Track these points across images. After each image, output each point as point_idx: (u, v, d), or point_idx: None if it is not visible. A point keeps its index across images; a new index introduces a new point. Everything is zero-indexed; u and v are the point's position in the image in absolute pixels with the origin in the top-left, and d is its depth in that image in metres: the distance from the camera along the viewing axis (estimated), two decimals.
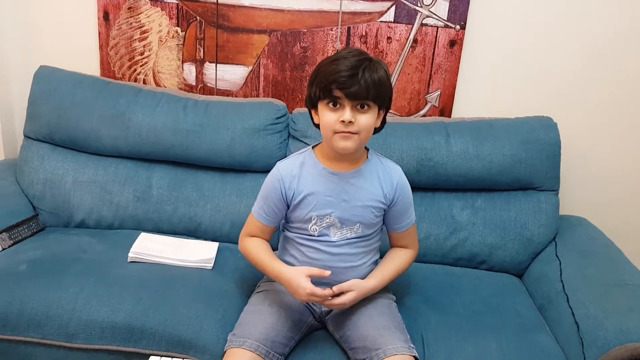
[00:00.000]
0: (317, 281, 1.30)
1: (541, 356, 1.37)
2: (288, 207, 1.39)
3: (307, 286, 1.28)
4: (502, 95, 1.92)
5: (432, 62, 1.89)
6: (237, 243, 1.50)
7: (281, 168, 1.39)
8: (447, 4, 1.82)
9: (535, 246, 1.75)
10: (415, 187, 1.61)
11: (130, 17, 1.94)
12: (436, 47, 1.87)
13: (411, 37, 1.87)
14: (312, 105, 1.34)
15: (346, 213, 1.36)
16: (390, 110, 1.93)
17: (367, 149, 1.41)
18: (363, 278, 1.38)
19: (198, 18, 1.92)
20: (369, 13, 1.86)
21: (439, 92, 1.93)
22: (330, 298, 1.30)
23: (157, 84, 2.01)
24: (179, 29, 1.94)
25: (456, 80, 1.90)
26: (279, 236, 1.51)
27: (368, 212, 1.37)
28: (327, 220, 1.37)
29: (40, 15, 1.98)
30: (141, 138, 1.78)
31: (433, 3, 1.83)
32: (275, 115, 1.79)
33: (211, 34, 1.93)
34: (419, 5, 1.84)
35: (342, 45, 1.89)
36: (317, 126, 1.36)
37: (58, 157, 1.83)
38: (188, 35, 1.95)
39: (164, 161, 1.83)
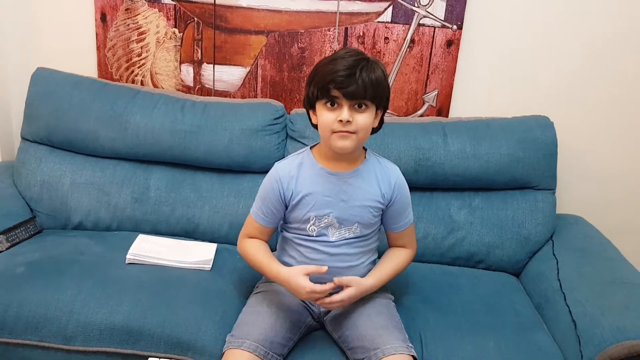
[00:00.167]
0: (316, 280, 1.30)
1: (539, 354, 1.37)
2: (286, 207, 1.39)
3: (306, 285, 1.28)
4: (499, 95, 1.92)
5: (430, 62, 1.89)
6: (235, 244, 1.50)
7: (279, 169, 1.40)
8: (444, 4, 1.83)
9: (532, 245, 1.75)
10: (413, 187, 1.62)
11: (128, 18, 1.94)
12: (433, 47, 1.87)
13: (408, 37, 1.87)
14: (310, 105, 1.34)
15: (344, 213, 1.36)
16: (388, 110, 1.93)
17: (365, 149, 1.42)
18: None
19: (195, 19, 1.92)
20: (366, 13, 1.86)
21: (436, 92, 1.93)
22: (330, 295, 1.30)
23: (155, 85, 2.01)
24: (176, 30, 1.94)
25: (453, 80, 1.91)
26: (277, 237, 1.52)
27: (366, 212, 1.37)
28: (326, 221, 1.37)
29: (38, 17, 1.98)
30: (139, 139, 1.77)
31: (430, 3, 1.83)
32: (273, 116, 1.80)
33: (209, 35, 1.93)
34: (416, 5, 1.84)
35: (340, 45, 1.90)
36: (315, 126, 1.36)
37: (55, 159, 1.83)
38: (185, 36, 1.95)
39: (161, 162, 1.83)
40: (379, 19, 1.86)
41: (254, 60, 1.94)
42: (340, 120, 1.25)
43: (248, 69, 1.96)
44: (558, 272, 1.59)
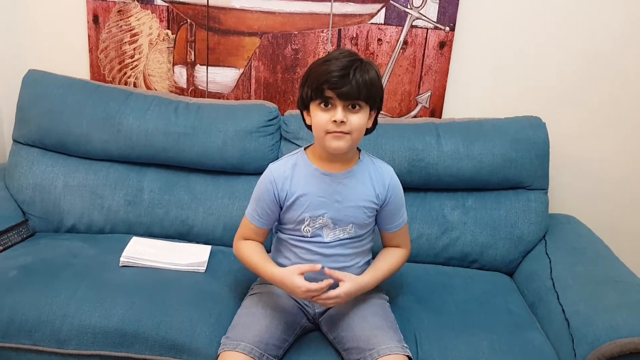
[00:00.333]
0: (311, 279, 1.30)
1: (532, 353, 1.38)
2: (281, 208, 1.39)
3: (301, 284, 1.28)
4: (491, 96, 1.93)
5: (423, 63, 1.90)
6: (230, 246, 1.50)
7: (273, 170, 1.40)
8: (437, 5, 1.83)
9: (525, 244, 1.76)
10: (407, 188, 1.62)
11: (120, 20, 1.93)
12: (426, 48, 1.88)
13: (401, 38, 1.88)
14: (304, 106, 1.35)
15: (339, 213, 1.37)
16: (382, 112, 1.94)
17: (359, 150, 1.42)
18: None
19: (189, 21, 1.92)
20: (360, 15, 1.86)
21: (429, 93, 1.94)
22: (326, 292, 1.30)
23: (148, 87, 2.00)
24: (169, 32, 1.94)
25: (446, 81, 1.92)
26: (272, 238, 1.52)
27: (360, 212, 1.38)
28: (320, 221, 1.37)
29: (29, 19, 1.97)
30: (132, 141, 1.77)
31: (423, 5, 1.84)
32: (267, 118, 1.80)
33: (202, 37, 1.93)
34: (408, 7, 1.85)
35: (333, 47, 1.90)
36: (309, 127, 1.36)
37: (48, 161, 1.82)
38: (179, 38, 1.94)
39: (155, 164, 1.82)
40: (372, 21, 1.87)
41: (248, 62, 1.94)
42: (335, 121, 1.26)
43: (242, 70, 1.95)
44: (551, 271, 1.60)
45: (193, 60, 1.96)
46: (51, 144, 1.82)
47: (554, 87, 1.91)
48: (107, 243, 1.68)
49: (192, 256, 1.63)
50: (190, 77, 1.98)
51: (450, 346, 1.38)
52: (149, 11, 1.92)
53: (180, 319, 1.38)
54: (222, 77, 1.97)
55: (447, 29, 1.86)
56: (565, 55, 1.88)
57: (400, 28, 1.87)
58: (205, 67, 1.96)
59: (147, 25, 1.94)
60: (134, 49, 1.96)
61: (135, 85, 2.00)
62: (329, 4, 1.85)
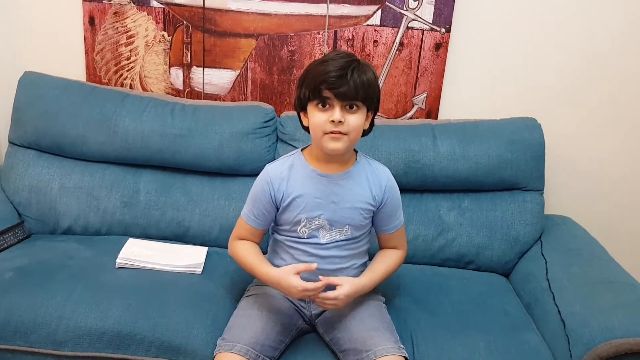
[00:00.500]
0: (307, 280, 1.30)
1: (529, 354, 1.38)
2: (277, 209, 1.39)
3: (297, 284, 1.27)
4: (487, 97, 1.94)
5: (418, 64, 1.91)
6: (226, 247, 1.50)
7: (270, 170, 1.40)
8: (432, 7, 1.84)
9: (521, 245, 1.77)
10: (403, 189, 1.62)
11: (116, 21, 1.93)
12: (422, 50, 1.89)
13: (397, 40, 1.89)
14: (301, 107, 1.35)
15: (335, 215, 1.37)
16: (378, 113, 1.94)
17: (356, 151, 1.42)
18: None
19: (185, 22, 1.92)
20: (356, 17, 1.87)
21: (425, 95, 1.94)
22: (324, 291, 1.29)
23: (144, 89, 2.00)
24: (165, 34, 1.94)
25: (442, 82, 1.92)
26: (268, 239, 1.52)
27: (357, 213, 1.38)
28: (317, 222, 1.37)
29: (25, 20, 1.96)
30: (128, 143, 1.77)
31: (418, 7, 1.85)
32: (263, 119, 1.80)
33: (198, 38, 1.93)
34: (404, 8, 1.85)
35: (330, 48, 1.90)
36: (306, 129, 1.36)
37: (44, 163, 1.81)
38: (175, 39, 1.94)
39: (151, 166, 1.82)
40: (368, 22, 1.87)
41: (244, 64, 1.94)
42: (332, 121, 1.26)
43: (238, 72, 1.96)
44: (547, 272, 1.61)
45: (189, 61, 1.96)
46: (47, 145, 1.81)
47: (550, 88, 1.92)
48: (103, 245, 1.68)
49: (189, 258, 1.62)
50: (187, 78, 1.98)
51: (447, 347, 1.38)
52: (145, 13, 1.92)
53: (176, 320, 1.38)
54: (218, 79, 1.97)
55: (443, 30, 1.86)
56: (561, 56, 1.88)
57: (396, 29, 1.87)
58: (201, 68, 1.96)
59: (143, 27, 1.94)
60: (130, 51, 1.96)
61: (131, 86, 2.00)
62: (325, 5, 1.86)
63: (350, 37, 1.89)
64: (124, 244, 1.66)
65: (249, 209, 1.42)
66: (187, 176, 1.81)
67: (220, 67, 1.95)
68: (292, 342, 1.39)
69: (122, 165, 1.82)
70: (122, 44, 1.96)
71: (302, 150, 1.42)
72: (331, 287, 1.31)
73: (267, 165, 1.43)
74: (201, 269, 1.59)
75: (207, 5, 1.89)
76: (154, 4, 1.90)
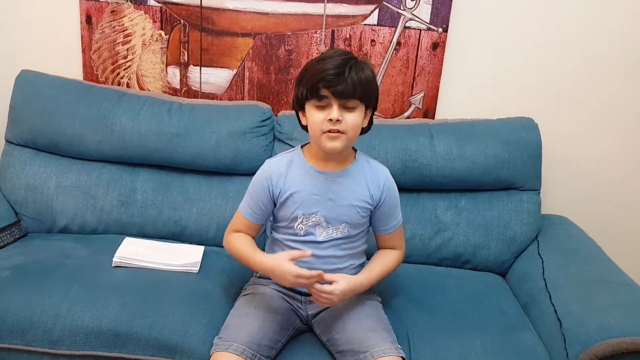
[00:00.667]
0: None
1: (525, 353, 1.38)
2: (275, 204, 1.40)
3: (292, 269, 1.26)
4: (484, 97, 1.94)
5: (416, 64, 1.91)
6: (222, 246, 1.49)
7: (269, 166, 1.41)
8: (430, 7, 1.84)
9: (518, 245, 1.77)
10: (400, 188, 1.62)
11: (114, 20, 1.93)
12: (419, 49, 1.89)
13: (394, 39, 1.89)
14: (299, 106, 1.35)
15: (332, 212, 1.37)
16: (375, 112, 1.94)
17: (355, 150, 1.42)
18: None
19: (182, 21, 1.92)
20: (353, 16, 1.87)
21: (422, 94, 1.94)
22: (319, 283, 1.29)
23: (141, 88, 2.00)
24: (162, 33, 1.94)
25: (439, 82, 1.92)
26: (265, 239, 1.52)
27: (354, 212, 1.38)
28: (313, 219, 1.37)
29: (22, 19, 1.96)
30: (125, 142, 1.77)
31: (416, 6, 1.85)
32: (260, 118, 1.80)
33: (195, 37, 1.93)
34: (402, 8, 1.85)
35: (327, 47, 1.90)
36: (305, 128, 1.37)
37: (40, 162, 1.81)
38: (172, 38, 1.94)
39: (148, 165, 1.82)
40: (366, 22, 1.87)
41: (241, 63, 1.94)
42: (330, 120, 1.26)
43: (235, 71, 1.95)
44: (543, 272, 1.61)
45: (186, 60, 1.96)
46: (44, 144, 1.81)
47: (547, 88, 1.92)
48: (100, 244, 1.68)
49: (185, 257, 1.62)
50: (184, 77, 1.98)
51: (443, 346, 1.38)
52: (142, 12, 1.92)
53: (173, 319, 1.38)
54: (215, 78, 1.97)
55: (440, 30, 1.86)
56: (557, 56, 1.89)
57: (393, 29, 1.87)
58: (198, 67, 1.96)
59: (141, 26, 1.93)
60: (127, 50, 1.96)
61: (128, 85, 2.00)
62: (322, 5, 1.86)
63: (348, 36, 1.89)
64: (121, 243, 1.66)
65: (246, 202, 1.42)
66: (184, 175, 1.81)
67: (218, 66, 1.95)
68: (289, 342, 1.39)
69: (119, 164, 1.81)
70: (119, 43, 1.96)
71: (302, 147, 1.42)
72: (328, 284, 1.31)
73: (267, 160, 1.44)
74: (198, 268, 1.59)
75: (204, 4, 1.88)
76: (151, 2, 1.90)
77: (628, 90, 1.91)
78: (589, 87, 1.91)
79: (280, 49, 1.92)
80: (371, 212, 1.41)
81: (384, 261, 1.44)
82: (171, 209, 1.77)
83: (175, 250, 1.67)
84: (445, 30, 1.86)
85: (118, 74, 1.99)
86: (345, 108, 1.27)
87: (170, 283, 1.50)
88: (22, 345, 1.36)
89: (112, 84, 1.99)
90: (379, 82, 1.92)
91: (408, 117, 1.97)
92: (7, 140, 1.86)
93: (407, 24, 1.87)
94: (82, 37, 1.96)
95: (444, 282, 1.68)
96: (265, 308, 1.37)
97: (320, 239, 1.38)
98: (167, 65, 1.97)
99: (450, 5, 1.83)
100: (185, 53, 1.95)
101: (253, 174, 1.44)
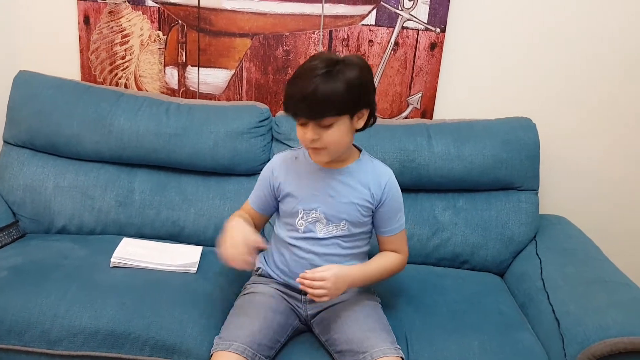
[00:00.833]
0: (294, 273, 1.31)
1: (523, 353, 1.38)
2: (277, 198, 1.43)
3: (235, 236, 1.27)
4: (482, 97, 1.94)
5: (414, 64, 1.91)
6: None
7: (276, 159, 1.46)
8: (428, 7, 1.84)
9: (516, 245, 1.77)
10: None
11: (111, 21, 1.93)
12: (417, 49, 1.89)
13: (392, 40, 1.89)
14: None
15: (332, 209, 1.37)
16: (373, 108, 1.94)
17: (360, 150, 1.43)
18: None
19: (180, 22, 1.92)
20: (351, 16, 1.87)
21: (420, 94, 1.94)
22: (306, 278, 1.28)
23: (139, 88, 2.00)
24: (160, 33, 1.94)
25: (437, 82, 1.92)
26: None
27: (354, 209, 1.38)
28: (314, 215, 1.38)
29: (20, 20, 1.96)
30: (123, 142, 1.76)
31: (413, 6, 1.85)
32: (258, 119, 1.80)
33: (193, 38, 1.93)
34: (399, 8, 1.86)
35: (325, 48, 1.90)
36: None
37: (38, 162, 1.81)
38: (170, 39, 1.94)
39: (146, 165, 1.82)
40: (363, 22, 1.87)
41: (239, 63, 1.94)
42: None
43: (233, 71, 1.95)
44: (541, 272, 1.61)
45: (184, 61, 1.96)
46: (42, 145, 1.81)
47: (545, 88, 1.92)
48: (98, 244, 1.68)
49: (183, 257, 1.62)
50: (182, 78, 1.98)
51: (441, 347, 1.38)
52: (140, 12, 1.92)
53: (171, 319, 1.38)
54: (213, 78, 1.97)
55: (438, 30, 1.87)
56: (555, 56, 1.89)
57: (391, 29, 1.88)
58: (196, 68, 1.96)
59: (138, 27, 1.93)
60: (125, 50, 1.96)
61: (126, 86, 2.00)
62: (320, 5, 1.86)
63: (346, 36, 1.89)
64: (119, 243, 1.65)
65: (254, 191, 1.48)
66: (182, 176, 1.81)
67: (215, 67, 1.95)
68: (288, 342, 1.39)
69: (117, 164, 1.81)
70: (117, 43, 1.96)
71: None
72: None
73: (277, 153, 1.48)
74: (196, 269, 1.59)
75: (202, 4, 1.88)
76: (149, 3, 1.90)
77: (626, 90, 1.91)
78: (587, 87, 1.92)
79: (278, 50, 1.92)
80: (373, 212, 1.41)
81: (382, 261, 1.43)
82: (169, 210, 1.77)
83: (173, 250, 1.67)
84: (443, 31, 1.87)
85: (116, 74, 1.99)
86: (321, 127, 1.26)
87: (168, 283, 1.50)
88: (20, 345, 1.36)
89: (110, 85, 1.99)
90: (376, 83, 1.93)
91: (406, 118, 1.97)
92: (4, 141, 1.86)
93: (404, 24, 1.87)
94: (80, 38, 1.96)
95: (442, 282, 1.68)
96: (265, 308, 1.38)
97: (320, 235, 1.38)
98: (165, 66, 1.97)
99: (448, 5, 1.83)
100: (183, 53, 1.95)
101: (251, 174, 1.46)
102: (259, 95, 1.97)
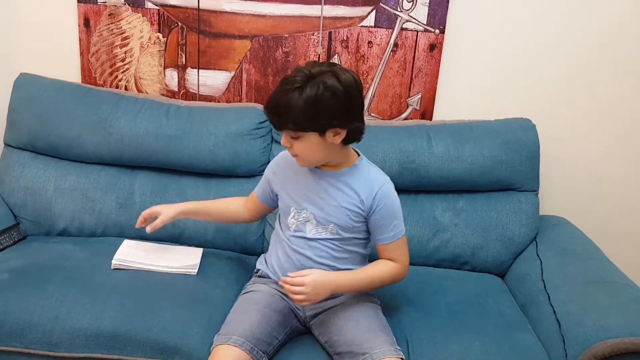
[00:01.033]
0: (286, 274, 1.32)
1: (524, 354, 1.39)
2: (275, 193, 1.48)
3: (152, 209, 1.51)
4: (481, 98, 1.94)
5: (413, 66, 1.91)
6: (221, 249, 1.59)
7: (279, 156, 1.50)
8: (427, 8, 1.84)
9: (516, 246, 1.77)
10: (398, 190, 1.61)
11: (111, 23, 1.93)
12: (416, 51, 1.89)
13: (392, 41, 1.89)
14: None
15: (321, 211, 1.38)
16: (373, 114, 1.95)
17: (358, 155, 1.43)
18: None
19: (179, 24, 1.92)
20: (350, 18, 1.87)
21: (419, 96, 1.95)
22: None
23: (139, 90, 2.00)
24: (160, 35, 1.94)
25: (436, 83, 1.93)
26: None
27: (343, 214, 1.37)
28: (304, 215, 1.39)
29: (20, 22, 1.96)
30: (123, 144, 1.77)
31: (413, 8, 1.85)
32: (258, 120, 1.80)
33: (193, 40, 1.93)
34: (399, 10, 1.86)
35: (324, 49, 1.91)
36: None
37: (39, 164, 1.81)
38: (170, 41, 1.94)
39: (146, 167, 1.82)
40: (363, 24, 1.88)
41: (239, 65, 1.95)
42: None
43: (233, 73, 1.96)
44: (542, 273, 1.61)
45: (184, 63, 1.96)
46: (42, 147, 1.81)
47: (544, 89, 1.93)
48: (99, 246, 1.68)
49: (184, 259, 1.62)
50: (182, 80, 1.98)
51: (442, 348, 1.38)
52: (140, 14, 1.92)
53: (172, 321, 1.38)
54: (213, 80, 1.97)
55: (437, 31, 1.87)
56: (555, 57, 1.89)
57: (390, 31, 1.88)
58: (196, 70, 1.96)
59: (138, 29, 1.94)
60: (125, 52, 1.96)
61: (126, 88, 2.00)
62: (319, 6, 1.86)
63: (345, 38, 1.89)
64: (120, 245, 1.65)
65: (259, 182, 1.55)
66: (182, 177, 1.81)
67: (215, 69, 1.96)
68: (288, 343, 1.39)
69: (117, 166, 1.82)
70: (117, 46, 1.96)
71: None
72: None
73: (284, 150, 1.48)
74: (196, 270, 1.59)
75: (201, 6, 1.89)
76: (149, 5, 1.91)
77: (626, 91, 1.91)
78: (587, 88, 1.92)
79: (277, 51, 1.92)
80: (365, 218, 1.39)
81: (374, 269, 1.41)
82: None
83: (173, 252, 1.67)
84: (442, 32, 1.87)
85: (116, 76, 1.99)
86: (291, 136, 1.30)
87: (169, 285, 1.51)
88: (22, 347, 1.36)
89: (110, 87, 2.00)
90: (376, 84, 1.93)
91: (406, 119, 1.97)
92: (5, 143, 1.86)
93: (404, 26, 1.87)
94: (80, 40, 1.96)
95: (442, 283, 1.68)
96: (263, 304, 1.38)
97: (309, 235, 1.40)
98: (165, 68, 1.97)
99: (447, 6, 1.84)
100: (183, 55, 1.95)
101: (251, 176, 1.48)
102: (258, 97, 1.97)
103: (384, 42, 1.89)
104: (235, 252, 1.76)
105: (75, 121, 1.77)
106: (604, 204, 2.03)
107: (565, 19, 1.86)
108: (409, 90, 1.94)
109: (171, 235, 1.77)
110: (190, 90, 1.99)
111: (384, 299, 1.53)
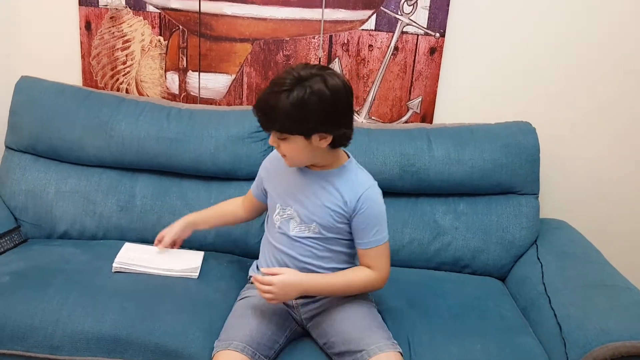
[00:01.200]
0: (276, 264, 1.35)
1: (525, 357, 1.39)
2: (264, 188, 1.50)
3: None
4: (482, 101, 1.95)
5: (413, 69, 1.91)
6: (222, 252, 1.59)
7: (272, 154, 1.50)
8: (427, 12, 1.85)
9: (517, 249, 1.77)
10: (399, 193, 1.63)
11: (113, 26, 1.94)
12: (417, 54, 1.89)
13: (392, 44, 1.89)
14: None
15: (305, 209, 1.38)
16: (373, 117, 1.95)
17: (349, 157, 1.43)
18: None
19: (181, 27, 1.93)
20: (351, 21, 1.88)
21: (420, 99, 1.95)
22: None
23: (140, 93, 2.01)
24: (161, 38, 1.94)
25: (437, 86, 1.93)
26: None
27: (326, 213, 1.37)
28: (289, 212, 1.40)
29: (22, 25, 1.97)
30: (124, 147, 1.77)
31: (413, 11, 1.86)
32: (258, 123, 1.79)
33: (194, 43, 1.94)
34: (399, 13, 1.86)
35: (325, 53, 1.91)
36: None
37: (40, 167, 1.81)
38: (171, 44, 1.95)
39: (147, 170, 1.82)
40: (363, 27, 1.88)
41: (240, 68, 1.95)
42: None
43: (233, 76, 1.96)
44: (543, 276, 1.61)
45: (185, 66, 1.96)
46: (43, 150, 1.81)
47: (545, 92, 1.93)
48: (100, 249, 1.68)
49: (185, 262, 1.62)
50: (183, 83, 1.99)
51: (443, 351, 1.38)
52: (141, 18, 1.92)
53: (173, 324, 1.38)
54: (214, 83, 1.97)
55: (438, 35, 1.87)
56: (555, 60, 1.90)
57: (391, 34, 1.88)
58: (197, 73, 1.97)
59: (140, 32, 1.94)
60: (126, 56, 1.97)
61: (127, 91, 2.00)
62: (320, 10, 1.86)
63: (345, 41, 1.89)
64: (120, 248, 1.65)
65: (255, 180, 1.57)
66: (183, 180, 1.81)
67: (216, 72, 1.96)
68: (288, 345, 1.39)
69: (118, 169, 1.82)
70: (118, 49, 1.96)
71: None
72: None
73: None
74: (197, 274, 1.59)
75: (203, 10, 1.89)
76: (150, 8, 1.91)
77: (626, 91, 1.92)
78: (587, 88, 1.92)
79: (278, 54, 1.92)
80: (348, 220, 1.38)
81: (349, 274, 1.40)
82: (170, 214, 1.77)
83: (174, 255, 1.67)
84: (443, 35, 1.87)
85: (117, 79, 2.00)
86: (277, 137, 1.31)
87: (170, 288, 1.51)
88: (23, 351, 1.36)
89: (111, 90, 2.00)
90: (376, 87, 1.93)
91: (406, 122, 1.97)
92: (6, 146, 1.86)
93: (404, 29, 1.88)
94: (81, 43, 1.97)
95: (443, 286, 1.68)
96: (261, 309, 1.39)
97: (292, 234, 1.40)
98: (166, 71, 1.98)
99: (448, 10, 1.84)
100: (184, 59, 1.96)
101: (252, 179, 1.48)
102: None
103: (385, 46, 1.90)
104: (236, 256, 1.76)
105: (76, 124, 1.78)
106: (604, 204, 2.03)
107: (564, 22, 1.86)
108: (410, 93, 1.94)
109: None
110: (191, 93, 1.99)
111: (385, 301, 1.53)
